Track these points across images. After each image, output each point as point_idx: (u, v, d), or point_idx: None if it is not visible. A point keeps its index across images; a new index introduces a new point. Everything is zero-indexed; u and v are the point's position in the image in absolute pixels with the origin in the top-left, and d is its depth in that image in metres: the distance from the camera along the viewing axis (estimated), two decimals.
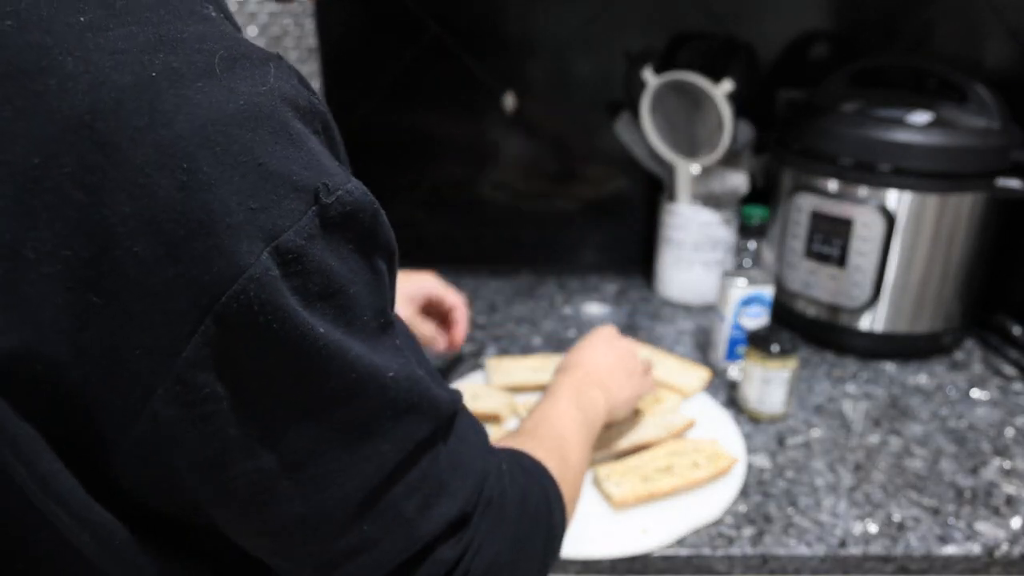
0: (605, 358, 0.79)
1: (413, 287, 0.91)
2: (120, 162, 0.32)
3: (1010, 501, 0.78)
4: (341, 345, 0.37)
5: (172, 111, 0.33)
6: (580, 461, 0.64)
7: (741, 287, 0.95)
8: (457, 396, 0.47)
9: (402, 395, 0.40)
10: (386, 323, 0.41)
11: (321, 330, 0.36)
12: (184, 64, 0.34)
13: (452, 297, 0.93)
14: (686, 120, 1.15)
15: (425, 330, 0.92)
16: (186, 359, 0.33)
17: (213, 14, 0.38)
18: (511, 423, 0.89)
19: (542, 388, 0.94)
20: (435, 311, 0.94)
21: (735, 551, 0.72)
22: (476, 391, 0.92)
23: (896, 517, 0.76)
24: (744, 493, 0.79)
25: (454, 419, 0.46)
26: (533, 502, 0.52)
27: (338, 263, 0.37)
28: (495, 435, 0.83)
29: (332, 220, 0.36)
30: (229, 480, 0.37)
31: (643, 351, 0.84)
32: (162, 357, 0.33)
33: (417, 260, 1.35)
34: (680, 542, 0.72)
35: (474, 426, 0.50)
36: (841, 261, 1.01)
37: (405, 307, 0.88)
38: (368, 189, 0.39)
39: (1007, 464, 0.84)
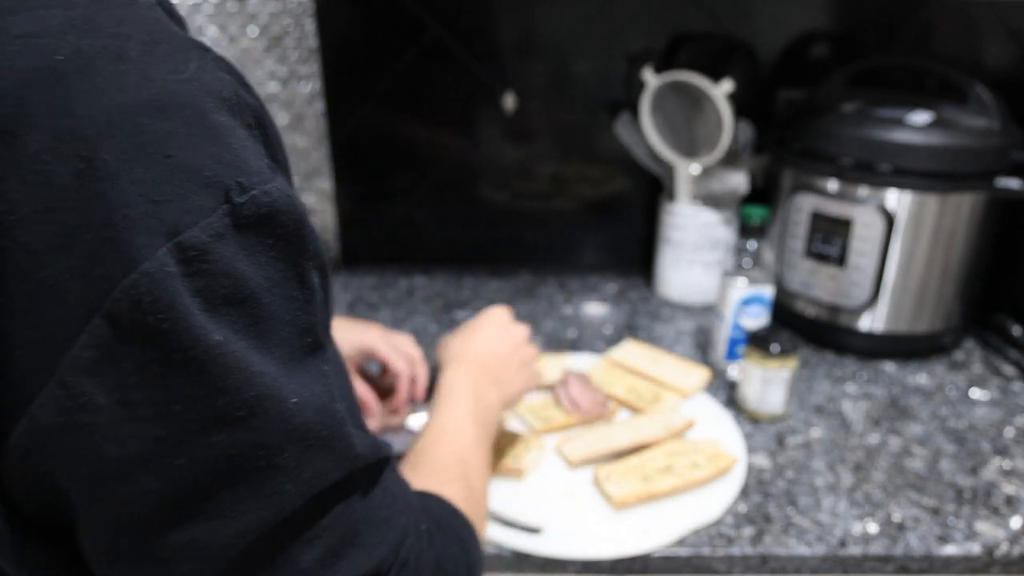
0: (500, 347, 0.75)
1: (353, 342, 0.80)
2: (17, 149, 0.31)
3: (1010, 501, 0.78)
4: (241, 357, 0.33)
5: (77, 97, 0.31)
6: (484, 484, 0.62)
7: (741, 287, 0.95)
8: (384, 446, 0.44)
9: (308, 427, 0.36)
10: (313, 344, 0.37)
11: (218, 337, 0.33)
12: (94, 48, 0.32)
13: (396, 362, 0.81)
14: (686, 120, 1.15)
15: (360, 392, 0.79)
16: (71, 360, 0.31)
17: None
18: (511, 423, 0.89)
19: (542, 388, 0.94)
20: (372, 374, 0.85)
21: (735, 551, 0.72)
22: None
23: (896, 517, 0.76)
24: (744, 493, 0.79)
25: (380, 469, 0.43)
26: (451, 566, 0.49)
27: (252, 268, 0.34)
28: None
29: (246, 221, 0.33)
30: (105, 501, 0.33)
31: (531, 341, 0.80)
32: (48, 356, 0.31)
33: (417, 260, 1.36)
34: (680, 542, 0.72)
35: (399, 481, 0.46)
36: (841, 261, 1.01)
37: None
38: (292, 194, 0.36)
39: (1007, 464, 0.84)
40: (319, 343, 0.38)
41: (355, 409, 0.43)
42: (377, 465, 0.43)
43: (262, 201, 0.34)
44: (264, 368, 0.34)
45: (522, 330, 0.78)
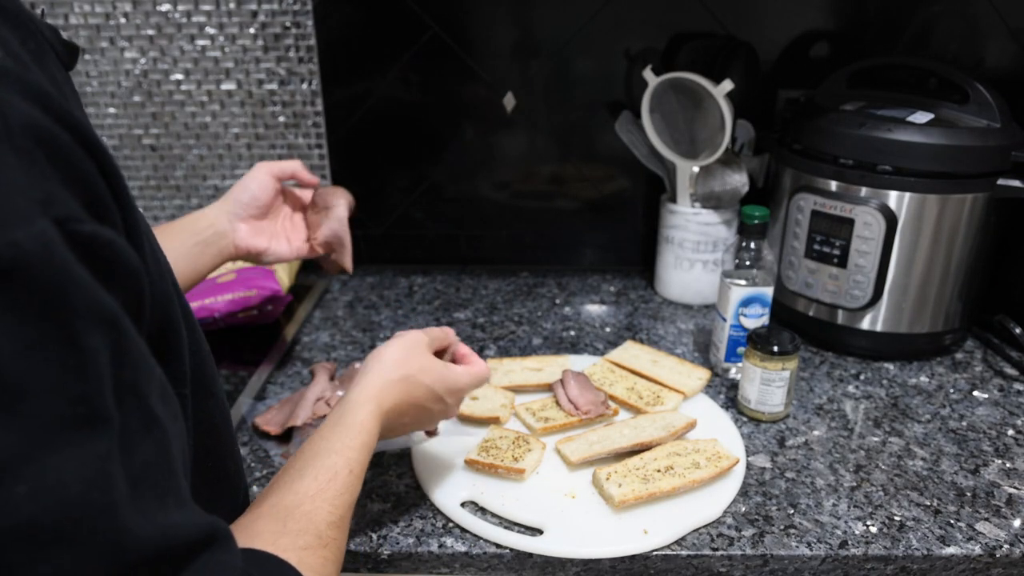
0: (420, 414, 0.68)
1: (262, 170, 0.88)
2: None
3: (1011, 501, 0.78)
4: None
5: None
6: (344, 548, 0.56)
7: (741, 287, 0.95)
8: (200, 528, 0.37)
9: (43, 520, 0.30)
10: (86, 416, 0.31)
11: None
12: None
13: (305, 174, 0.91)
14: (686, 120, 1.15)
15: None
16: None
17: None
18: (511, 424, 0.89)
19: (542, 388, 0.94)
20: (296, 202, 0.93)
21: (735, 551, 0.71)
22: (476, 391, 0.92)
23: (897, 518, 0.76)
24: (744, 493, 0.79)
25: (186, 557, 0.36)
26: None
27: None
28: (492, 435, 0.84)
29: None
30: None
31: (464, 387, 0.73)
32: None
33: (417, 260, 1.35)
34: (680, 542, 0.72)
35: (218, 566, 0.38)
36: (842, 261, 1.01)
37: (269, 185, 0.87)
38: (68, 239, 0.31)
39: (1008, 464, 0.84)
40: (96, 415, 0.32)
41: (167, 477, 0.36)
42: (180, 554, 0.36)
43: (4, 254, 0.29)
44: None
45: (452, 411, 0.72)
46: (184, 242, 0.81)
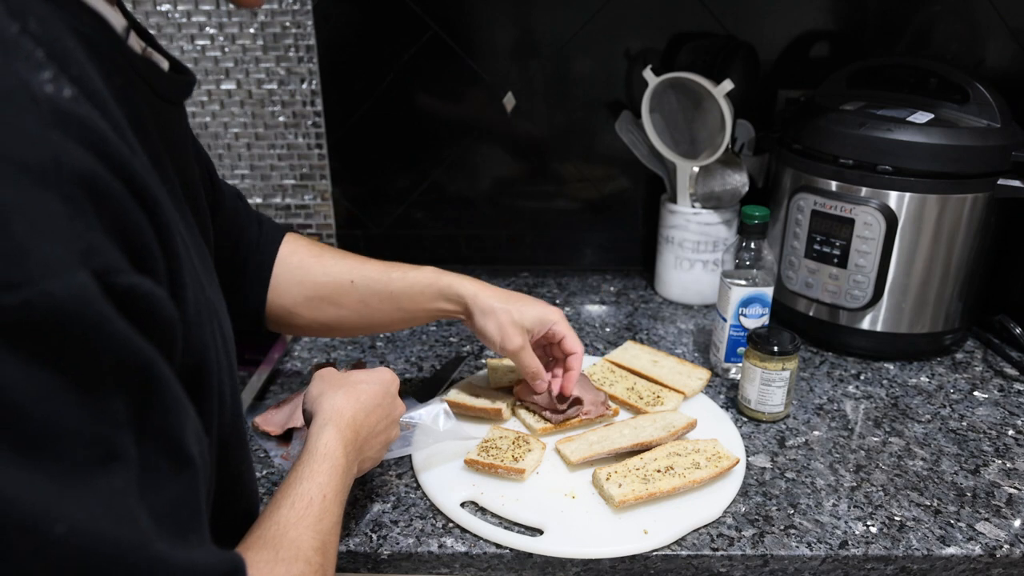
0: (378, 420, 0.69)
1: (534, 317, 0.83)
2: None
3: (1011, 501, 0.78)
4: None
5: None
6: (331, 560, 0.57)
7: (741, 287, 0.95)
8: (224, 562, 0.39)
9: (80, 557, 0.31)
10: (105, 455, 0.32)
11: None
12: None
13: (572, 343, 0.85)
14: (686, 120, 1.15)
15: (532, 363, 0.83)
16: None
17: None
18: (511, 424, 0.89)
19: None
20: (549, 350, 0.87)
21: (735, 552, 0.71)
22: (476, 391, 0.92)
23: (897, 518, 0.76)
24: (744, 494, 0.79)
25: None
26: None
27: (20, 377, 0.29)
28: (492, 435, 0.83)
29: (13, 325, 0.29)
30: None
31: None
32: None
33: (417, 260, 1.35)
34: (680, 542, 0.72)
35: None
36: (842, 261, 1.01)
37: (518, 336, 0.82)
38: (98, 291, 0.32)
39: (1008, 464, 0.84)
40: (111, 454, 0.33)
41: (192, 516, 0.38)
42: None
43: (38, 304, 0.29)
44: (19, 491, 0.29)
45: (400, 407, 0.74)
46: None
